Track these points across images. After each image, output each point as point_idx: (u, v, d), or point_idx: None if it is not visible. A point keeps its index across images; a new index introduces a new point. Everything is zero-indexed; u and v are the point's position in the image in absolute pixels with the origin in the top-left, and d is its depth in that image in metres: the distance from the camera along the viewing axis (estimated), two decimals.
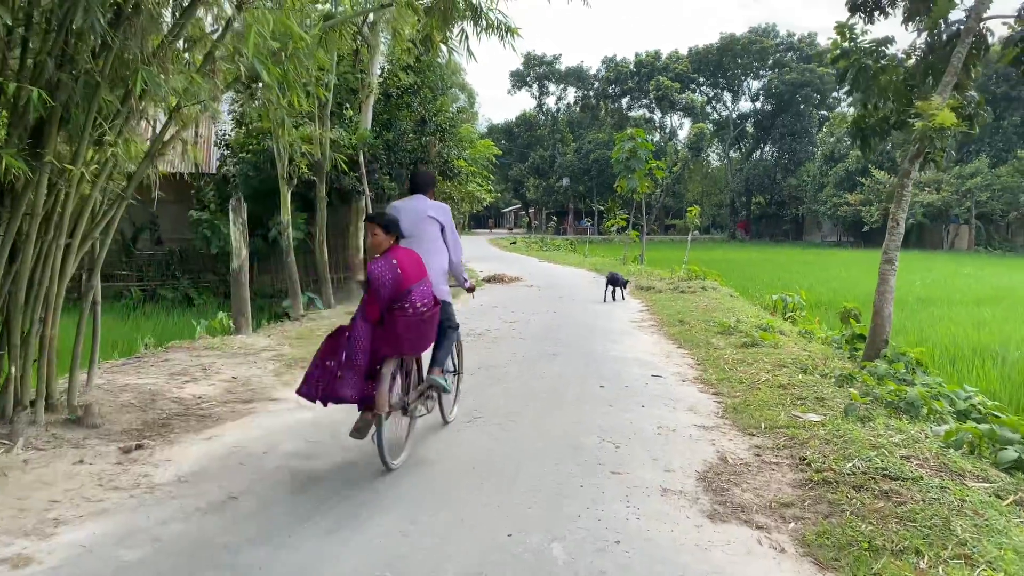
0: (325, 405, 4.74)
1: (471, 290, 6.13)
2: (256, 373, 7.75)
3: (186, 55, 6.41)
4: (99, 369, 7.55)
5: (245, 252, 10.82)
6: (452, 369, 6.01)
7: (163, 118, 6.43)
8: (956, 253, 44.89)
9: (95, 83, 5.36)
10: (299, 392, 4.72)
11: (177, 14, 5.98)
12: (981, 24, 8.30)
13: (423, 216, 5.49)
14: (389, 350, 4.70)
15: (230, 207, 10.89)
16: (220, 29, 6.12)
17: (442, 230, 5.56)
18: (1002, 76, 46.85)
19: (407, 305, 4.71)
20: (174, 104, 6.12)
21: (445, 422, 5.98)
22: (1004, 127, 49.63)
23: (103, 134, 5.61)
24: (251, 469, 4.84)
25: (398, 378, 4.89)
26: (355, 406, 4.72)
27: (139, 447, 5.24)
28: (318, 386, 4.62)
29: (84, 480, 4.61)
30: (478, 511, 4.16)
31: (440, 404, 5.82)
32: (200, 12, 6.20)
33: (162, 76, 5.49)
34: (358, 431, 4.62)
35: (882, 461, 4.78)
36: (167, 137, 6.36)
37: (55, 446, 5.21)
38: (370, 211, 16.66)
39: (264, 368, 7.99)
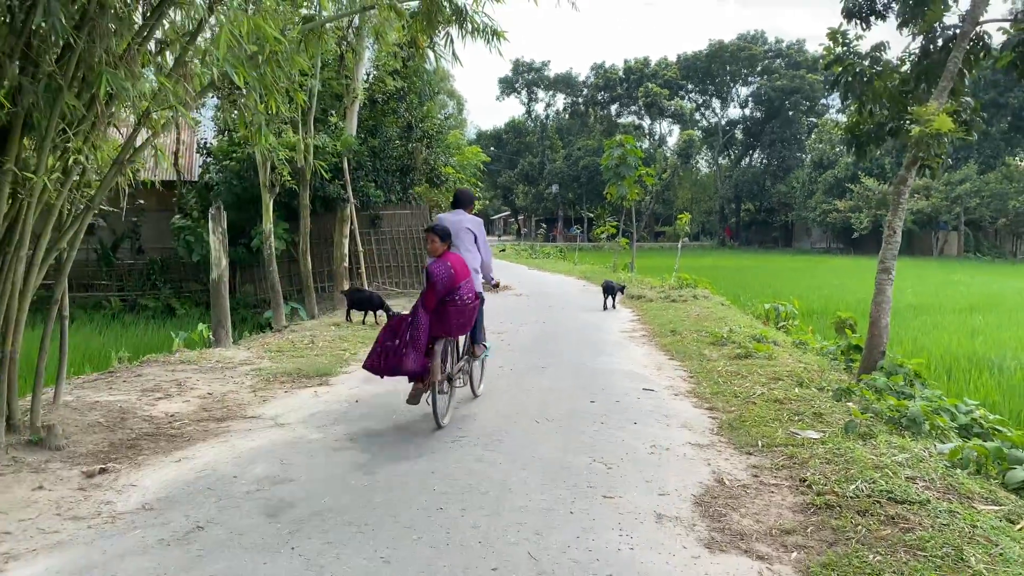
0: (382, 377, 6.06)
1: (496, 286, 7.44)
2: (232, 389, 7.46)
3: (158, 58, 6.15)
4: (69, 385, 7.28)
5: (225, 262, 10.53)
6: (487, 348, 7.35)
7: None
8: (946, 260, 44.95)
9: (58, 87, 5.08)
10: (365, 366, 5.99)
11: (147, 14, 5.72)
12: (978, 28, 8.13)
13: (463, 227, 6.74)
14: (441, 332, 5.95)
15: (209, 215, 10.60)
16: (192, 31, 5.85)
17: (475, 239, 6.82)
18: (990, 83, 46.99)
19: (457, 298, 5.93)
20: (144, 109, 5.85)
21: (475, 395, 7.16)
22: (992, 133, 49.74)
23: (68, 140, 5.33)
24: (220, 494, 4.56)
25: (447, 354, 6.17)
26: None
27: (103, 471, 4.96)
28: (381, 362, 5.82)
29: (42, 508, 4.33)
30: (461, 542, 3.89)
31: (471, 380, 7.02)
32: (173, 13, 5.95)
33: (129, 80, 5.23)
34: (413, 398, 5.91)
35: (886, 483, 4.55)
36: (138, 143, 6.09)
37: (14, 470, 4.92)
38: (354, 220, 16.42)
39: (241, 383, 7.70)
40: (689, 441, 5.78)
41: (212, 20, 5.78)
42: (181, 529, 4.04)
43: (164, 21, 5.88)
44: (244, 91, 6.45)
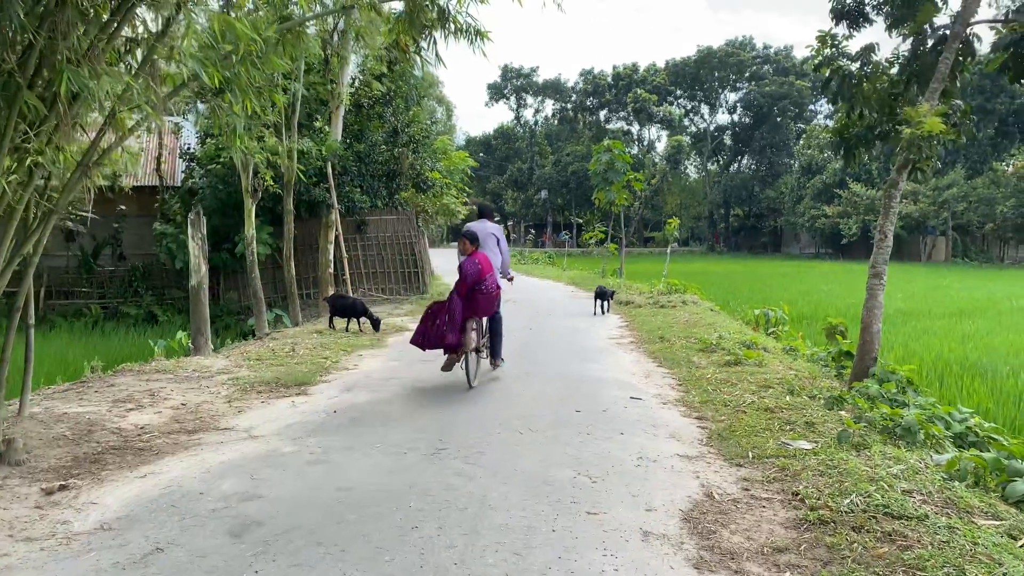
0: (424, 350, 7.94)
1: (511, 279, 8.93)
2: (207, 399, 7.21)
3: (127, 57, 5.92)
4: (37, 396, 7.04)
5: (204, 268, 10.28)
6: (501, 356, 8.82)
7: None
8: (934, 264, 45.08)
9: (17, 86, 4.85)
10: (412, 342, 7.88)
11: (115, 10, 5.49)
12: (968, 29, 8.01)
13: (487, 233, 8.53)
14: (471, 313, 7.64)
15: (188, 221, 10.34)
16: (161, 29, 5.63)
17: (497, 242, 8.59)
18: (977, 88, 47.23)
19: (483, 287, 7.64)
20: (110, 110, 5.61)
21: (493, 367, 8.64)
22: (979, 138, 50.03)
23: (28, 141, 5.10)
24: (184, 513, 4.32)
25: (475, 330, 7.77)
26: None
27: (63, 487, 4.71)
28: (425, 338, 7.67)
29: None
30: (436, 563, 3.67)
31: (491, 356, 8.57)
32: (142, 11, 5.72)
33: (93, 78, 5.00)
34: (448, 366, 7.59)
35: (882, 496, 4.36)
36: (105, 145, 5.86)
37: None
38: (340, 225, 16.22)
39: (217, 393, 7.46)
40: (677, 452, 5.58)
41: (181, 17, 5.55)
42: (139, 551, 3.80)
43: (133, 18, 5.66)
44: (220, 92, 6.23)
